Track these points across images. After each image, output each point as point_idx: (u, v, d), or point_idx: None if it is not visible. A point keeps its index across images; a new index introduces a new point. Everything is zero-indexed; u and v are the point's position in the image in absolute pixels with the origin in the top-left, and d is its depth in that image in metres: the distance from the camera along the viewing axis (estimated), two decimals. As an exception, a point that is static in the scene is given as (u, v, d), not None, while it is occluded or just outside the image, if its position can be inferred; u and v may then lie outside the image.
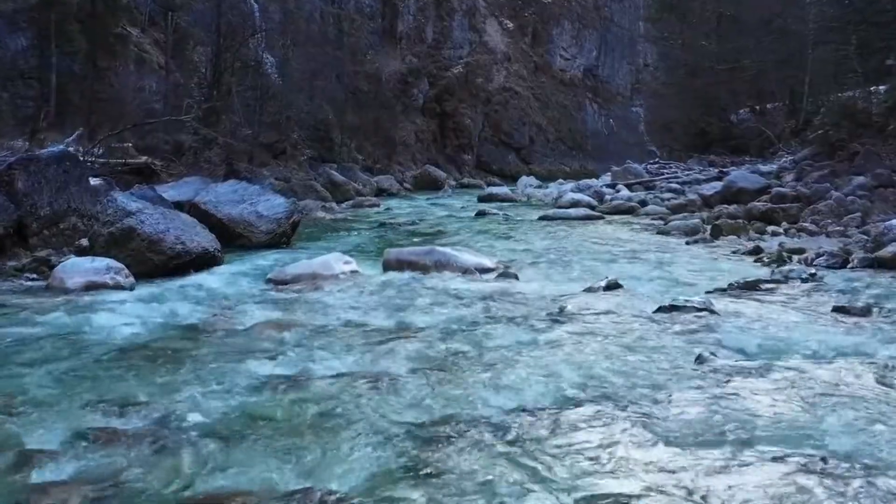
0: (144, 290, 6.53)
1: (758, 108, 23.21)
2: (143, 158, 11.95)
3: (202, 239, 7.92)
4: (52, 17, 13.32)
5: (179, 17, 21.78)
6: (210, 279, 7.14)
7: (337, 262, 7.17)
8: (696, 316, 4.58)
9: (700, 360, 3.61)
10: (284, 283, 6.88)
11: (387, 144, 29.51)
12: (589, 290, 5.70)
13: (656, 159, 24.58)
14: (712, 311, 4.69)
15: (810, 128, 17.84)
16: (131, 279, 6.69)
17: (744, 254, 8.38)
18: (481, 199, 19.49)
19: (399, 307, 5.16)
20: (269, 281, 7.03)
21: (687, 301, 4.77)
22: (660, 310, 4.75)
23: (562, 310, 4.76)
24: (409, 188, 26.25)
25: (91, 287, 6.35)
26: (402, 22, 35.01)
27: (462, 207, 17.19)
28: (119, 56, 15.92)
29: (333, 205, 17.42)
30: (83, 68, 14.35)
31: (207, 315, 5.07)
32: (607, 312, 4.74)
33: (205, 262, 7.80)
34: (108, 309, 5.34)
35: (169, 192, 11.13)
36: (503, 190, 20.78)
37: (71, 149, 11.40)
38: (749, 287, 5.60)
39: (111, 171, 11.12)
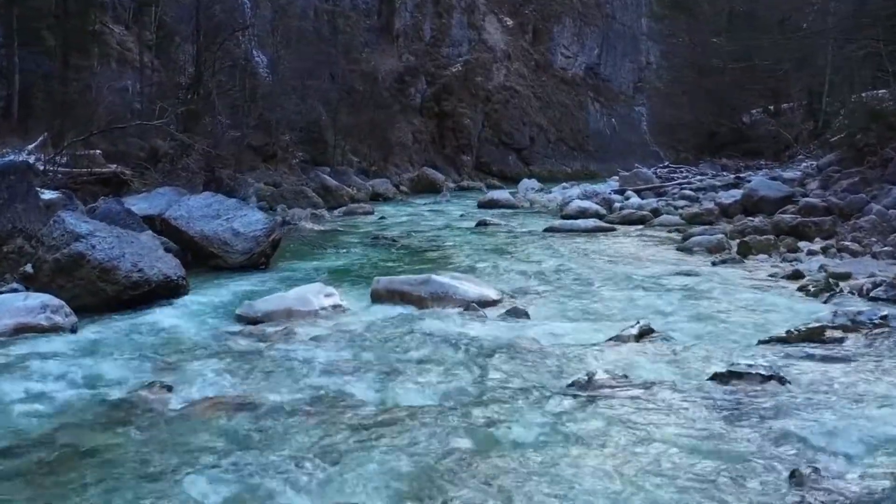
0: (87, 332, 5.53)
1: (772, 108, 22.15)
2: (113, 167, 10.91)
3: (164, 265, 6.91)
4: (14, 13, 12.27)
5: (165, 13, 20.77)
6: (169, 315, 6.13)
7: (317, 295, 6.16)
8: (764, 389, 3.57)
9: (797, 478, 2.60)
10: (254, 320, 5.88)
11: (383, 146, 28.45)
12: (618, 338, 4.69)
13: (666, 163, 23.47)
14: (782, 380, 3.68)
15: (830, 130, 16.85)
16: (72, 318, 5.68)
17: (782, 278, 7.38)
18: (481, 205, 18.53)
19: (384, 368, 4.15)
20: (237, 318, 6.03)
21: (749, 366, 3.76)
22: (716, 377, 3.75)
23: (590, 378, 3.74)
24: (406, 191, 25.24)
25: (22, 330, 5.34)
26: (399, 19, 33.95)
27: (461, 215, 16.17)
28: (93, 55, 14.84)
29: (324, 212, 16.41)
30: (52, 68, 13.32)
31: (147, 378, 4.06)
32: (648, 382, 3.73)
33: (167, 291, 6.80)
34: (28, 368, 4.33)
35: (139, 204, 10.10)
36: (504, 195, 19.76)
37: (32, 157, 10.39)
38: (813, 337, 4.59)
39: (75, 182, 10.08)
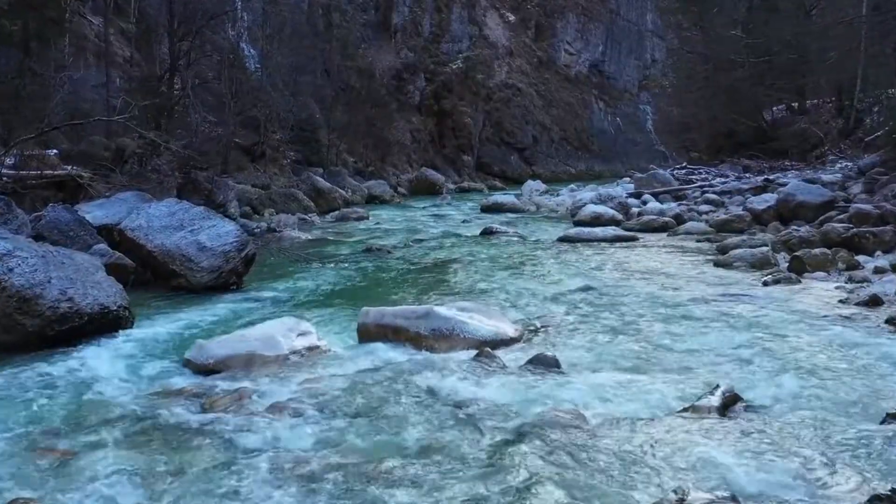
0: (-17, 387, 4.22)
1: (796, 105, 20.77)
2: (68, 168, 9.59)
3: (101, 293, 5.58)
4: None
5: (147, 3, 19.43)
6: (99, 359, 4.83)
7: (287, 334, 4.85)
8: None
9: None
10: (205, 369, 4.57)
11: (380, 146, 27.13)
12: (694, 410, 3.39)
13: (683, 163, 22.12)
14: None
15: (863, 128, 15.54)
16: (-33, 369, 4.38)
17: (857, 305, 6.09)
18: (484, 209, 17.24)
19: (363, 468, 2.84)
20: (185, 363, 4.72)
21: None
22: (874, 502, 2.44)
23: (682, 500, 2.43)
24: (405, 193, 23.96)
25: None
26: (396, 13, 32.60)
27: (464, 221, 14.85)
28: (61, 46, 13.51)
29: (315, 217, 15.12)
30: (15, 59, 12.01)
31: (18, 481, 2.76)
32: (773, 509, 2.42)
33: (105, 324, 5.49)
34: None
35: (95, 212, 8.79)
36: (509, 198, 18.45)
37: (-25, 157, 9.07)
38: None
39: (23, 186, 8.76)
